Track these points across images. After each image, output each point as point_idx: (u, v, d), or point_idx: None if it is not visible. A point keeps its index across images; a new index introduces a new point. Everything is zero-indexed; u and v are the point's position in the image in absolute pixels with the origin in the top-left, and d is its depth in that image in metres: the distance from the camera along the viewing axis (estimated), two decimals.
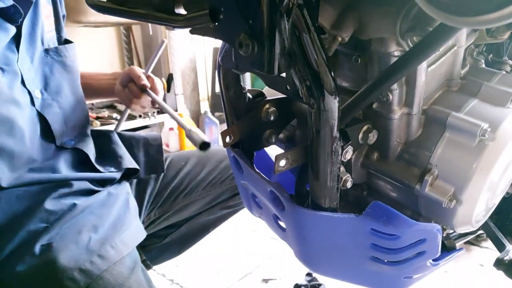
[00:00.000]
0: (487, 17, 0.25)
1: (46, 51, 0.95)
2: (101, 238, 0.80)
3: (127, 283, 0.76)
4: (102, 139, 1.06)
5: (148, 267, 1.18)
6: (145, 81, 1.14)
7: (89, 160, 0.95)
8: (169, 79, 3.46)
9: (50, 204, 0.82)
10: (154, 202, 1.11)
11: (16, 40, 0.85)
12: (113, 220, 0.85)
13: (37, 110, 0.88)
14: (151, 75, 1.19)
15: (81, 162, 0.94)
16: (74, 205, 0.84)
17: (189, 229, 1.21)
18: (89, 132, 1.02)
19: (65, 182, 0.87)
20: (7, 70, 0.83)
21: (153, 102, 1.17)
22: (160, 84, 1.19)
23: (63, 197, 0.85)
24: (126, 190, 0.98)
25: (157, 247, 1.19)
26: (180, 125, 1.17)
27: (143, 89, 1.15)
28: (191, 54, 3.59)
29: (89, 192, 0.90)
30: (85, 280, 0.74)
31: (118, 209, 0.90)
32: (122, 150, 1.06)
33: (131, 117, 3.02)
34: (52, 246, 0.75)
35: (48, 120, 0.90)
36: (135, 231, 0.88)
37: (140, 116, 3.01)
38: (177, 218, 1.16)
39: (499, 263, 0.65)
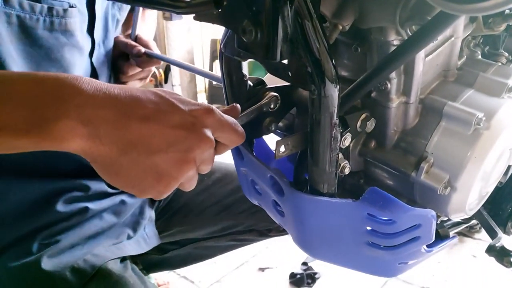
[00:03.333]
0: (483, 5, 0.26)
1: (112, 3, 0.86)
2: (97, 244, 0.78)
3: (123, 277, 0.76)
4: None
5: (144, 274, 1.16)
6: (139, 46, 0.93)
7: None
8: (167, 70, 3.45)
9: (61, 206, 0.79)
10: (162, 212, 1.04)
11: None
12: (116, 230, 0.84)
13: (92, 62, 0.81)
14: (138, 34, 0.97)
15: None
16: (86, 209, 0.81)
17: (194, 250, 1.14)
18: None
19: (81, 184, 0.82)
20: (79, 9, 0.74)
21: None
22: (154, 43, 0.99)
23: (76, 200, 0.81)
24: (143, 199, 0.94)
25: (157, 258, 1.12)
26: (201, 75, 0.99)
27: (139, 55, 0.92)
28: (189, 45, 3.59)
29: (104, 195, 0.86)
30: (78, 280, 0.72)
31: (126, 219, 0.87)
32: None
33: None
34: (48, 246, 0.74)
35: (99, 76, 0.82)
36: (136, 243, 0.86)
37: None
38: (181, 236, 1.10)
39: (491, 250, 0.67)
